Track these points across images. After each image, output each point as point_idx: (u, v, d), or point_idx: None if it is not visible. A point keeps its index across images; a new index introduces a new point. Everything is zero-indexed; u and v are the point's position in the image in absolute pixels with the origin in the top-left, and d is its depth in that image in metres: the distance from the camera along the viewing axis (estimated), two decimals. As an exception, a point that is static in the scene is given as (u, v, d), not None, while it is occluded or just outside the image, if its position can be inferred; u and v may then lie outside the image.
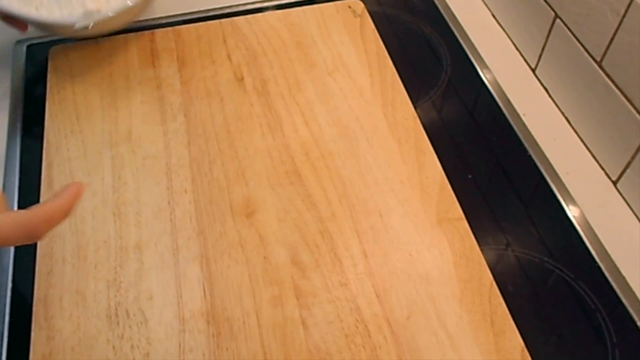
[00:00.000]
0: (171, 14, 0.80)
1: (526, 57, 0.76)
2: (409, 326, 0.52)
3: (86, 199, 0.59)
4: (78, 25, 0.61)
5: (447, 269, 0.56)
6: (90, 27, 0.61)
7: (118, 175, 0.60)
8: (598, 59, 0.62)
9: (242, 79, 0.66)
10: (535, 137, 0.67)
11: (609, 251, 0.58)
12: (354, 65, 0.72)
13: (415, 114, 0.67)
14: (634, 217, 0.62)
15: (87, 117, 0.66)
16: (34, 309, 0.53)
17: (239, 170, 0.62)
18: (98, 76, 0.70)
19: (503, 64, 0.75)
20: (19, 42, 0.77)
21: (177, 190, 0.60)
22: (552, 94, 0.72)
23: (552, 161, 0.65)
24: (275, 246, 0.57)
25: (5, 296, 0.55)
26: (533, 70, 0.75)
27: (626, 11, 0.57)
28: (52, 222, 0.39)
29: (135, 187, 0.60)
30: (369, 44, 0.74)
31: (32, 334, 0.52)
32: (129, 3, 0.64)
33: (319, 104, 0.67)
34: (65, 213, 0.40)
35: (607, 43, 0.61)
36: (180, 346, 0.51)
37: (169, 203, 0.59)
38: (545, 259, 0.58)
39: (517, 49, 0.77)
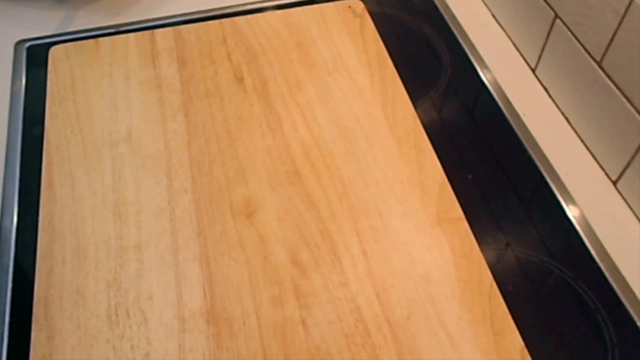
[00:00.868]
0: (171, 14, 0.80)
1: (526, 57, 0.76)
2: (409, 326, 0.52)
3: (86, 199, 0.59)
4: None
5: (447, 269, 0.56)
6: None
7: (118, 175, 0.61)
8: (598, 59, 0.62)
9: (242, 79, 0.66)
10: (535, 137, 0.67)
11: (609, 251, 0.58)
12: (354, 65, 0.72)
13: (415, 114, 0.67)
14: (634, 217, 0.62)
15: (87, 117, 0.66)
16: (34, 309, 0.53)
17: (239, 170, 0.62)
18: (98, 76, 0.70)
19: (503, 64, 0.75)
20: (19, 42, 0.77)
21: (177, 190, 0.60)
22: (552, 94, 0.72)
23: (552, 161, 0.65)
24: (275, 246, 0.57)
25: (6, 296, 0.55)
26: (533, 70, 0.75)
27: (626, 11, 0.57)
28: None
29: (135, 187, 0.60)
30: (369, 44, 0.74)
31: (32, 334, 0.52)
32: None
33: (318, 104, 0.67)
34: None
35: (607, 43, 0.61)
36: (180, 346, 0.51)
37: (169, 203, 0.59)
38: (545, 259, 0.58)
39: (517, 49, 0.77)
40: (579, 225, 0.60)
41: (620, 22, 0.58)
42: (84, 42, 0.74)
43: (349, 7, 0.78)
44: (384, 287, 0.55)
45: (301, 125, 0.65)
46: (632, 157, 0.60)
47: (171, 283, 0.54)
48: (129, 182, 0.60)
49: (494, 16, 0.81)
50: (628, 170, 0.61)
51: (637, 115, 0.59)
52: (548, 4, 0.69)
